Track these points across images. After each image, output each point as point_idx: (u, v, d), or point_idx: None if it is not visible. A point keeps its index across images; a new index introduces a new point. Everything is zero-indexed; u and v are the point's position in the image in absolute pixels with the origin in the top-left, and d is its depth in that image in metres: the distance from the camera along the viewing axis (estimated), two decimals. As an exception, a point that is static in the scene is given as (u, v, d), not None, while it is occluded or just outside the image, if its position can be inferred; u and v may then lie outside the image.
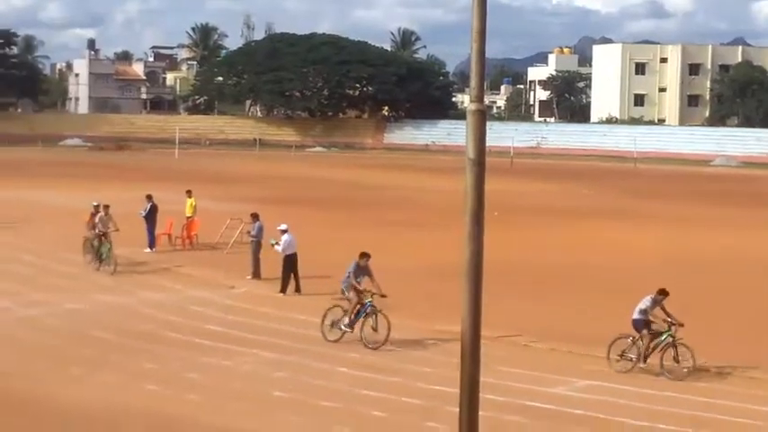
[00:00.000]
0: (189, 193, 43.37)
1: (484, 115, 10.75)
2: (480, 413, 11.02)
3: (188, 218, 42.25)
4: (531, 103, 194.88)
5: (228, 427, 18.66)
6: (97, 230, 36.12)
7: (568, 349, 25.17)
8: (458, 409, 11.00)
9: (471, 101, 10.79)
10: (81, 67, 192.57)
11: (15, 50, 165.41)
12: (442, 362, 23.16)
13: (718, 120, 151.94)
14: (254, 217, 35.81)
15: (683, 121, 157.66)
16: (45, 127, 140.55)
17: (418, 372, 22.80)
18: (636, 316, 24.22)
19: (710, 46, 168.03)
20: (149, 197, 40.81)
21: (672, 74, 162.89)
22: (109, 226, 36.24)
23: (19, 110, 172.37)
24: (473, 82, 10.82)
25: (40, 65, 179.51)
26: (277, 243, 31.99)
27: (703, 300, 32.79)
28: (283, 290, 31.71)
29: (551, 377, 22.56)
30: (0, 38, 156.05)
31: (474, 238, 10.71)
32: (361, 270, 26.42)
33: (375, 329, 25.43)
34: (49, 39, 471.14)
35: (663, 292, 24.60)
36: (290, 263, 31.93)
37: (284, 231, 32.27)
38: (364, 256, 26.56)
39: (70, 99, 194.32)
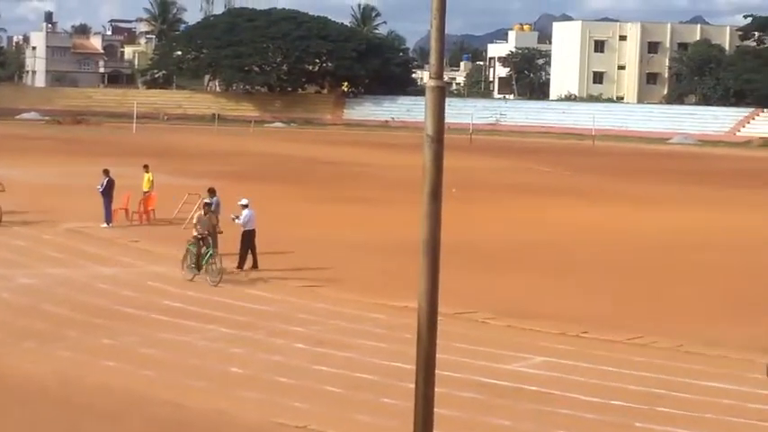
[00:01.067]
0: (146, 167, 43.10)
1: (443, 91, 10.71)
2: (436, 390, 11.01)
3: (145, 192, 42.01)
4: (491, 80, 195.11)
5: (185, 403, 18.59)
6: (197, 233, 30.62)
7: (525, 326, 25.22)
8: (413, 386, 10.98)
9: (430, 77, 10.74)
10: (38, 40, 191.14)
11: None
12: (396, 338, 23.18)
13: (676, 98, 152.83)
14: (211, 192, 35.59)
15: (642, 99, 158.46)
16: (1, 100, 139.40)
17: (373, 347, 22.79)
18: None
19: (669, 24, 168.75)
20: (106, 171, 40.52)
21: (631, 52, 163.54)
22: (213, 225, 31.17)
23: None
24: (432, 58, 10.78)
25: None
26: (237, 217, 31.84)
27: (659, 279, 33.03)
28: (240, 265, 31.56)
29: (507, 354, 22.61)
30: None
31: (432, 214, 10.68)
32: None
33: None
34: (6, 11, 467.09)
35: None
36: (249, 238, 31.76)
37: (245, 206, 32.09)
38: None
39: (27, 72, 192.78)
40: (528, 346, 23.35)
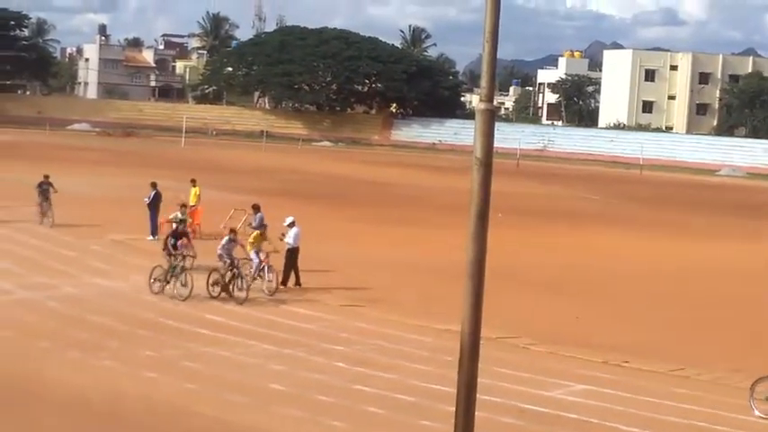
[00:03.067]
0: (193, 181, 43.38)
1: (493, 114, 10.72)
2: (476, 414, 11.00)
3: (191, 206, 42.21)
4: (540, 105, 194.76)
5: (226, 417, 18.65)
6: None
7: (567, 353, 25.13)
8: (453, 409, 10.97)
9: (481, 100, 10.76)
10: (91, 52, 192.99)
11: (26, 33, 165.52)
12: (438, 360, 23.15)
13: (725, 129, 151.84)
14: (256, 208, 35.79)
15: (691, 129, 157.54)
16: (53, 111, 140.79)
17: (414, 369, 22.77)
18: None
19: (721, 55, 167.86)
20: (154, 184, 40.81)
21: (681, 82, 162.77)
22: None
23: (28, 93, 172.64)
24: (484, 81, 10.79)
25: (51, 48, 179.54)
26: (284, 236, 31.92)
27: (703, 309, 32.82)
28: (284, 282, 31.65)
29: (548, 380, 22.53)
30: (12, 20, 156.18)
31: (478, 238, 10.67)
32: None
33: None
34: (61, 23, 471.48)
35: None
36: (293, 256, 31.86)
37: (292, 224, 32.21)
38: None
39: (79, 84, 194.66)
40: (569, 374, 23.26)
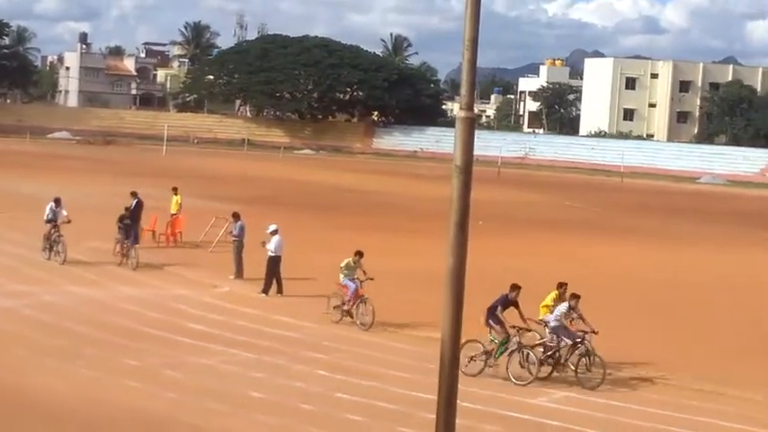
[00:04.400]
0: (175, 190, 43.33)
1: (473, 122, 10.73)
2: (458, 421, 10.99)
3: (173, 215, 42.18)
4: (521, 113, 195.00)
5: (207, 426, 18.61)
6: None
7: (548, 361, 25.10)
8: (434, 416, 10.97)
9: (461, 108, 10.77)
10: (72, 60, 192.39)
11: (7, 41, 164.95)
12: (418, 368, 23.15)
13: (706, 137, 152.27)
14: (236, 217, 35.78)
15: (672, 137, 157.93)
16: (34, 119, 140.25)
17: (395, 377, 22.76)
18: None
19: (702, 63, 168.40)
20: (134, 194, 40.70)
21: (662, 90, 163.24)
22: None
23: (8, 101, 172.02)
24: (463, 89, 10.81)
25: (32, 57, 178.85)
26: (265, 243, 31.93)
27: (683, 316, 32.89)
28: (266, 290, 31.65)
29: (531, 388, 22.54)
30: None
31: (458, 245, 10.68)
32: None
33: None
34: (42, 31, 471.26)
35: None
36: (275, 264, 31.86)
37: (275, 232, 32.21)
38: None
39: (60, 92, 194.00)
40: (550, 382, 23.28)
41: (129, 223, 36.58)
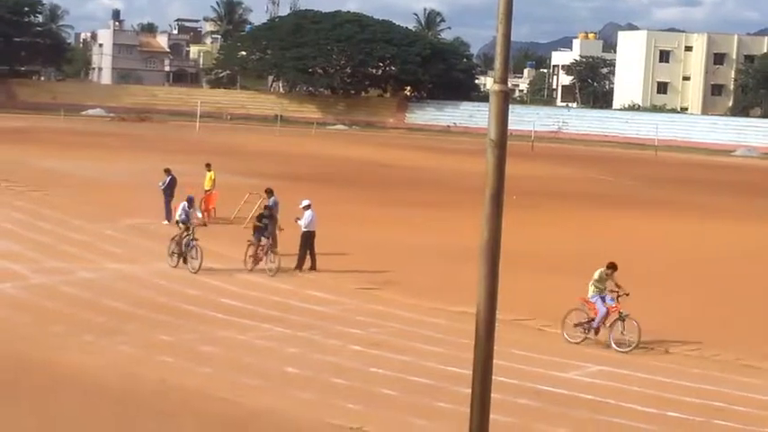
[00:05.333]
0: (208, 166, 43.42)
1: (507, 96, 10.70)
2: (492, 395, 11.00)
3: (206, 191, 42.29)
4: (554, 87, 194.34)
5: (241, 401, 18.68)
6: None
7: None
8: (469, 391, 10.97)
9: (495, 81, 10.73)
10: (105, 37, 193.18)
11: (40, 19, 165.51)
12: (453, 342, 23.15)
13: (740, 110, 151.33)
14: (269, 192, 35.79)
15: (706, 110, 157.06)
16: (68, 96, 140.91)
17: (430, 351, 22.78)
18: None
19: (736, 36, 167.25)
20: (168, 171, 40.87)
21: (696, 62, 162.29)
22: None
23: (42, 78, 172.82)
24: (497, 63, 10.77)
25: (65, 34, 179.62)
26: (299, 219, 31.96)
27: (722, 291, 32.75)
28: (299, 266, 31.68)
29: (564, 362, 22.53)
30: (25, 6, 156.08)
31: (492, 218, 10.67)
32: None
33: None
34: (75, 8, 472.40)
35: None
36: (308, 239, 31.85)
37: (307, 207, 32.22)
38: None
39: (93, 69, 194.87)
40: (584, 355, 23.25)
41: (268, 223, 31.90)
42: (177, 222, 32.37)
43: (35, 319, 24.14)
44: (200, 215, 32.87)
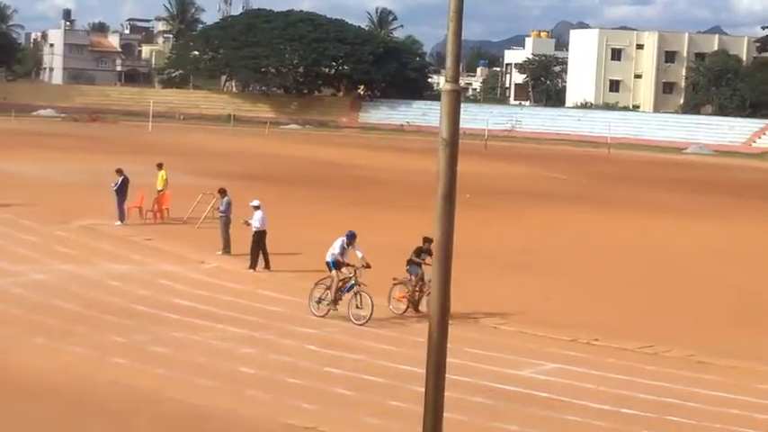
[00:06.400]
0: (160, 165, 43.17)
1: (458, 95, 10.70)
2: (446, 394, 10.99)
3: (159, 191, 42.06)
4: (507, 86, 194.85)
5: (195, 401, 18.59)
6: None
7: (536, 332, 25.17)
8: (423, 389, 10.96)
9: (446, 80, 10.74)
10: (56, 37, 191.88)
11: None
12: (406, 341, 23.16)
13: (692, 108, 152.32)
14: (222, 192, 35.71)
15: (658, 108, 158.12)
16: (18, 97, 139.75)
17: (383, 350, 22.77)
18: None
19: (687, 34, 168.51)
20: (120, 171, 40.58)
21: (648, 60, 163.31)
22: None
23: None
24: (448, 62, 10.77)
25: (15, 34, 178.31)
26: (248, 223, 31.87)
27: (672, 287, 32.96)
28: (253, 266, 31.61)
29: (519, 359, 22.58)
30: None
31: (445, 217, 10.67)
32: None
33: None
34: (25, 8, 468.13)
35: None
36: (260, 239, 31.80)
37: (257, 207, 32.15)
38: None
39: (44, 69, 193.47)
40: (539, 353, 23.31)
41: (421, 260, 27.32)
42: (329, 263, 26.37)
43: (-14, 321, 23.91)
44: (360, 254, 26.40)
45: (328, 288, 26.10)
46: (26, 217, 40.00)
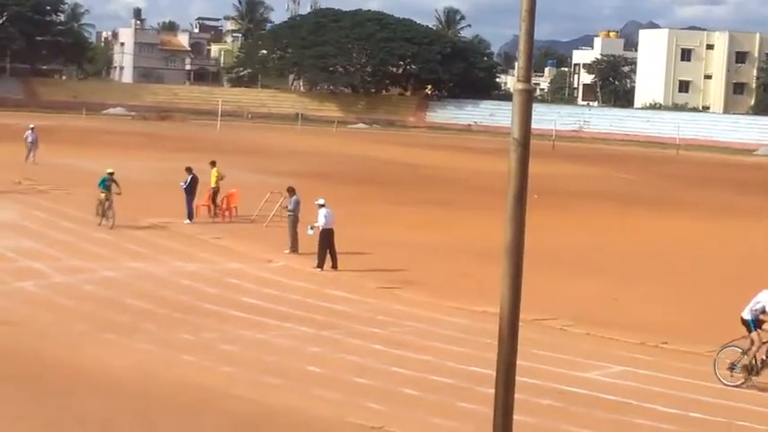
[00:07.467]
0: (213, 163, 43.03)
1: (530, 95, 10.64)
2: (514, 396, 10.93)
3: (212, 188, 41.91)
4: (575, 86, 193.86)
5: (262, 400, 18.65)
6: None
7: (604, 334, 25.00)
8: (491, 391, 10.91)
9: (518, 80, 10.68)
10: (126, 36, 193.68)
11: (62, 18, 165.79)
12: (475, 342, 23.09)
13: (763, 109, 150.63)
14: (291, 191, 35.79)
15: (728, 109, 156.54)
16: (89, 95, 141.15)
17: (451, 351, 22.71)
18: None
19: (758, 34, 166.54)
20: (189, 169, 40.79)
21: (718, 61, 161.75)
22: None
23: (64, 77, 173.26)
24: (521, 61, 10.72)
25: (86, 33, 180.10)
26: (312, 227, 31.87)
27: (746, 291, 32.59)
28: (320, 265, 31.63)
29: (586, 362, 22.44)
30: (47, 5, 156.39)
31: (516, 218, 10.61)
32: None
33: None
34: (96, 7, 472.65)
35: None
36: (327, 237, 31.79)
37: (322, 206, 32.16)
38: None
39: (115, 68, 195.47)
40: (606, 355, 23.15)
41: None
42: (748, 321, 21.57)
43: (57, 317, 24.17)
44: None
45: (745, 352, 21.35)
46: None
